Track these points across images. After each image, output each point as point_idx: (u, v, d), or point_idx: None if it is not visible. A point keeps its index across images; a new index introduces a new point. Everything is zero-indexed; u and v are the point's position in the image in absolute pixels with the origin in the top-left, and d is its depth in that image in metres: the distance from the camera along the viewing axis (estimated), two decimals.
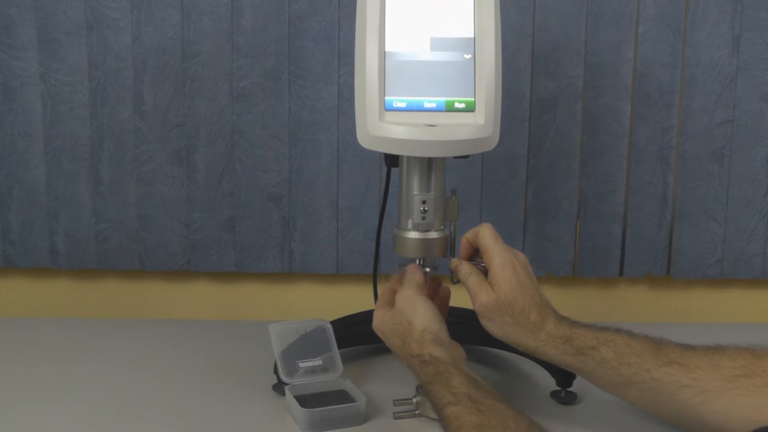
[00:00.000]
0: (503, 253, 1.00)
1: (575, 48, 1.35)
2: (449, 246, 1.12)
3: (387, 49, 1.05)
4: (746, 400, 0.87)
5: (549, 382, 1.10)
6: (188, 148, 1.37)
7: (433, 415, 1.02)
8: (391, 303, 1.03)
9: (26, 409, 1.06)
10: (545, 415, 1.05)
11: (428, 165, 1.09)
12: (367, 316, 1.24)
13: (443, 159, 1.09)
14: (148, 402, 1.08)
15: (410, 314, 0.99)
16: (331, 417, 1.00)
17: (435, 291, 1.09)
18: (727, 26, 1.35)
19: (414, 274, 1.05)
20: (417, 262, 1.15)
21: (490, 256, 1.00)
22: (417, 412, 1.03)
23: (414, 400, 1.03)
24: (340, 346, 1.10)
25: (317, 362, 1.08)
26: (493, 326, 1.00)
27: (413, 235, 1.10)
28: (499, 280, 0.98)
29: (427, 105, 1.06)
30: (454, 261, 1.05)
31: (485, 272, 1.01)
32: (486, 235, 1.02)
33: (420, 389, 1.04)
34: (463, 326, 1.23)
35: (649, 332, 0.96)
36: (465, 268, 1.03)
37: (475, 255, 1.05)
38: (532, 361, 1.15)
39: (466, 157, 1.09)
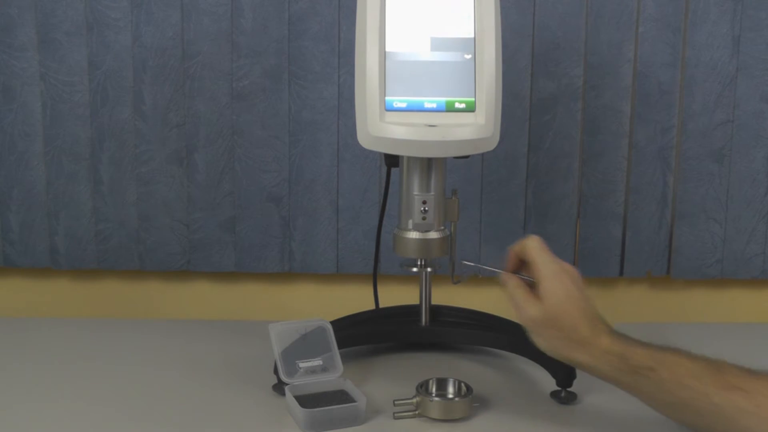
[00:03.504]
0: (551, 265, 0.97)
1: (575, 48, 1.35)
2: (449, 246, 1.12)
3: (387, 49, 1.05)
4: None
5: (549, 382, 1.10)
6: (188, 148, 1.37)
7: (433, 415, 1.02)
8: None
9: (26, 409, 1.06)
10: (545, 415, 1.05)
11: (428, 165, 1.09)
12: (367, 316, 1.25)
13: (443, 159, 1.10)
14: (148, 402, 1.08)
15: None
16: (331, 417, 1.00)
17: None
18: (727, 26, 1.35)
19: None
20: (418, 262, 1.15)
21: (538, 269, 0.97)
22: (417, 412, 1.03)
23: (414, 400, 1.03)
24: (340, 346, 1.10)
25: (317, 362, 1.08)
26: (541, 340, 0.97)
27: (413, 235, 1.11)
28: (546, 292, 0.95)
29: (427, 105, 1.06)
30: (504, 275, 1.01)
31: (532, 286, 0.98)
32: (534, 246, 0.98)
33: (420, 389, 1.04)
34: (464, 326, 1.23)
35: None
36: (513, 281, 0.99)
37: (521, 268, 1.02)
38: (533, 361, 1.15)
39: (466, 157, 1.09)
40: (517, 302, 0.98)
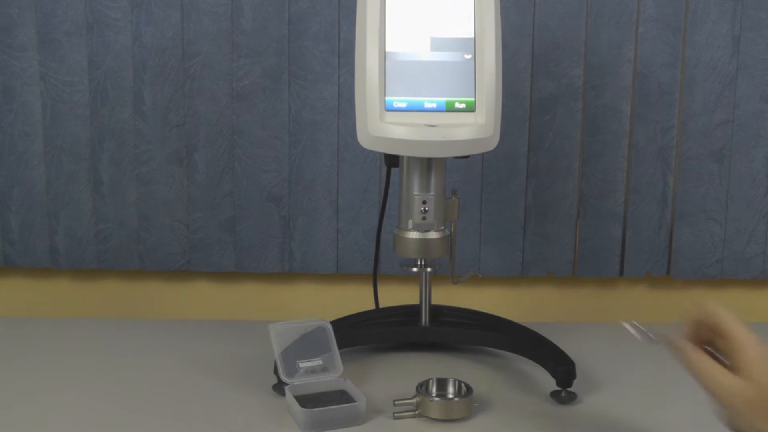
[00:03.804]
0: (756, 341, 0.84)
1: (575, 48, 1.35)
2: (449, 246, 1.11)
3: (387, 49, 1.05)
4: None
5: (549, 382, 1.10)
6: (188, 148, 1.37)
7: (433, 415, 1.02)
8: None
9: (26, 409, 1.06)
10: (545, 415, 1.05)
11: (428, 165, 1.09)
12: (367, 316, 1.25)
13: (443, 159, 1.10)
14: (148, 402, 1.08)
15: None
16: (331, 417, 1.00)
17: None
18: (727, 26, 1.35)
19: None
20: (418, 262, 1.15)
21: (741, 341, 0.84)
22: (417, 412, 1.03)
23: (414, 400, 1.03)
24: (340, 346, 1.10)
25: (317, 362, 1.08)
26: (745, 420, 0.83)
27: (413, 235, 1.11)
28: (757, 368, 0.83)
29: (427, 105, 1.06)
30: (687, 347, 0.86)
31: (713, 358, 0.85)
32: (731, 318, 0.86)
33: (420, 389, 1.04)
34: (465, 326, 1.23)
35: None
36: (698, 349, 0.86)
37: (701, 336, 0.87)
38: (533, 361, 1.15)
39: (467, 157, 1.09)
40: (712, 376, 0.85)
